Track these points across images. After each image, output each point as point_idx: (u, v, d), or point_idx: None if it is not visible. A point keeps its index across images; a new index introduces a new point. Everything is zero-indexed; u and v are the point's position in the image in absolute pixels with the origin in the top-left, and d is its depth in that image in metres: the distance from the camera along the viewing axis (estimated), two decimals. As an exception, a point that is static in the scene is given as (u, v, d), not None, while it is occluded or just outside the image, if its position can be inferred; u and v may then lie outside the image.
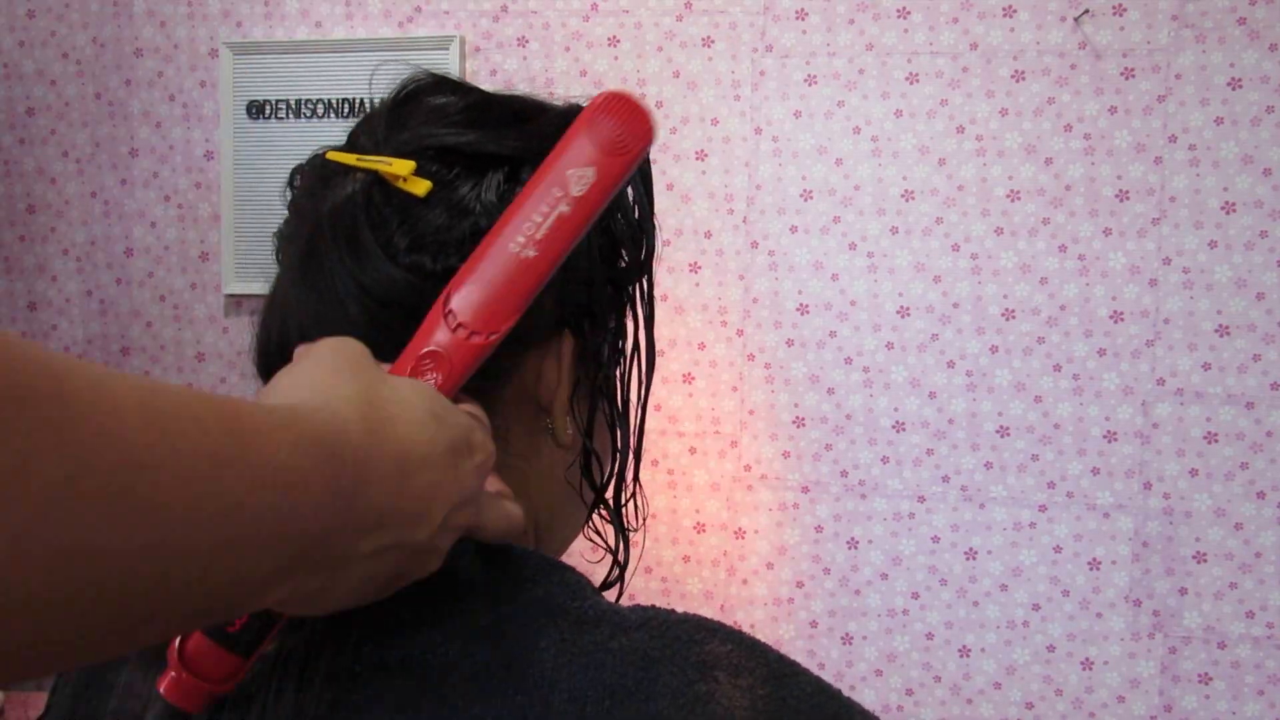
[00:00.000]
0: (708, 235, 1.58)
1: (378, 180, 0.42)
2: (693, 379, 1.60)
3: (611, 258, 0.47)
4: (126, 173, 1.80)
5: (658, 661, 0.37)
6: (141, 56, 1.79)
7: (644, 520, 0.54)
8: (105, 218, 1.82)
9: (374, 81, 0.48)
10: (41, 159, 1.83)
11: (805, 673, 0.40)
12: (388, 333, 0.41)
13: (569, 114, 0.46)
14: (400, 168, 0.41)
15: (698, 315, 1.59)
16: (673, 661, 0.37)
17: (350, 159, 0.42)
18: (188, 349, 1.80)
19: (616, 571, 0.50)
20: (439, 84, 0.46)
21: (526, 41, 1.63)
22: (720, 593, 1.60)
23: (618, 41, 1.60)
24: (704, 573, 1.60)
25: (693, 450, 1.60)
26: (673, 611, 0.41)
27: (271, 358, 0.43)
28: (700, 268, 1.58)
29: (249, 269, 1.73)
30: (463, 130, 0.43)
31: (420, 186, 0.41)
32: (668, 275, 1.59)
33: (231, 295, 1.76)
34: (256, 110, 1.71)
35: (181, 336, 1.80)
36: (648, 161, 0.48)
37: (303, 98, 1.69)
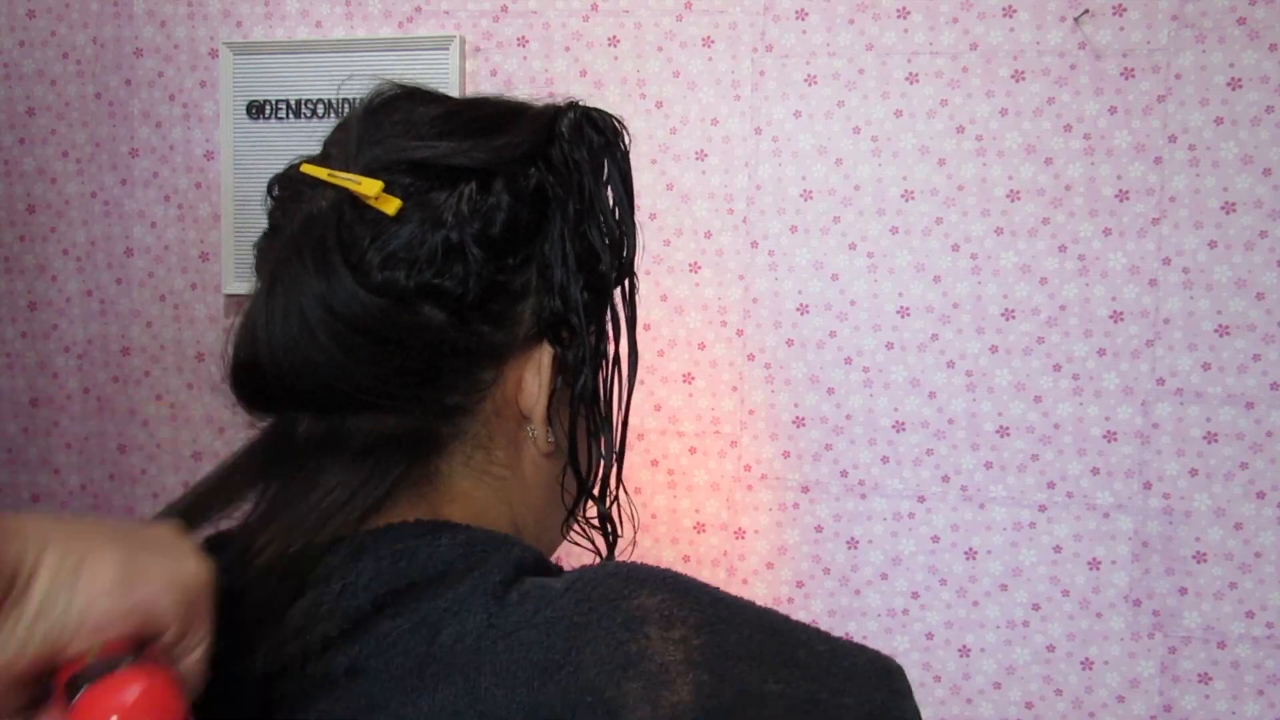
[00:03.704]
0: (708, 235, 1.58)
1: (349, 197, 0.41)
2: (693, 379, 1.60)
3: (590, 264, 0.45)
4: (126, 173, 1.80)
5: (584, 627, 0.36)
6: (141, 56, 1.79)
7: (636, 526, 0.54)
8: (105, 218, 1.82)
9: (367, 84, 0.48)
10: (41, 159, 1.83)
11: (743, 611, 0.38)
12: (357, 358, 0.40)
13: (540, 117, 0.45)
14: (369, 187, 0.40)
15: (698, 315, 1.59)
16: (600, 625, 0.36)
17: (322, 174, 0.41)
18: (188, 349, 1.80)
19: None
20: (409, 95, 0.46)
21: (526, 41, 1.63)
22: (720, 593, 1.60)
23: (618, 41, 1.60)
24: (704, 573, 1.60)
25: (693, 450, 1.60)
26: (603, 564, 0.39)
27: (242, 380, 0.43)
28: (700, 268, 1.58)
29: (249, 269, 1.73)
30: (433, 143, 0.42)
31: (390, 205, 0.41)
32: (668, 275, 1.59)
33: (231, 295, 1.76)
34: (256, 110, 1.71)
35: (181, 336, 1.80)
36: (626, 162, 0.47)
37: (303, 98, 1.69)
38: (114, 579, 0.30)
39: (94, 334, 1.84)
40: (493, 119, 0.45)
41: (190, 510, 0.42)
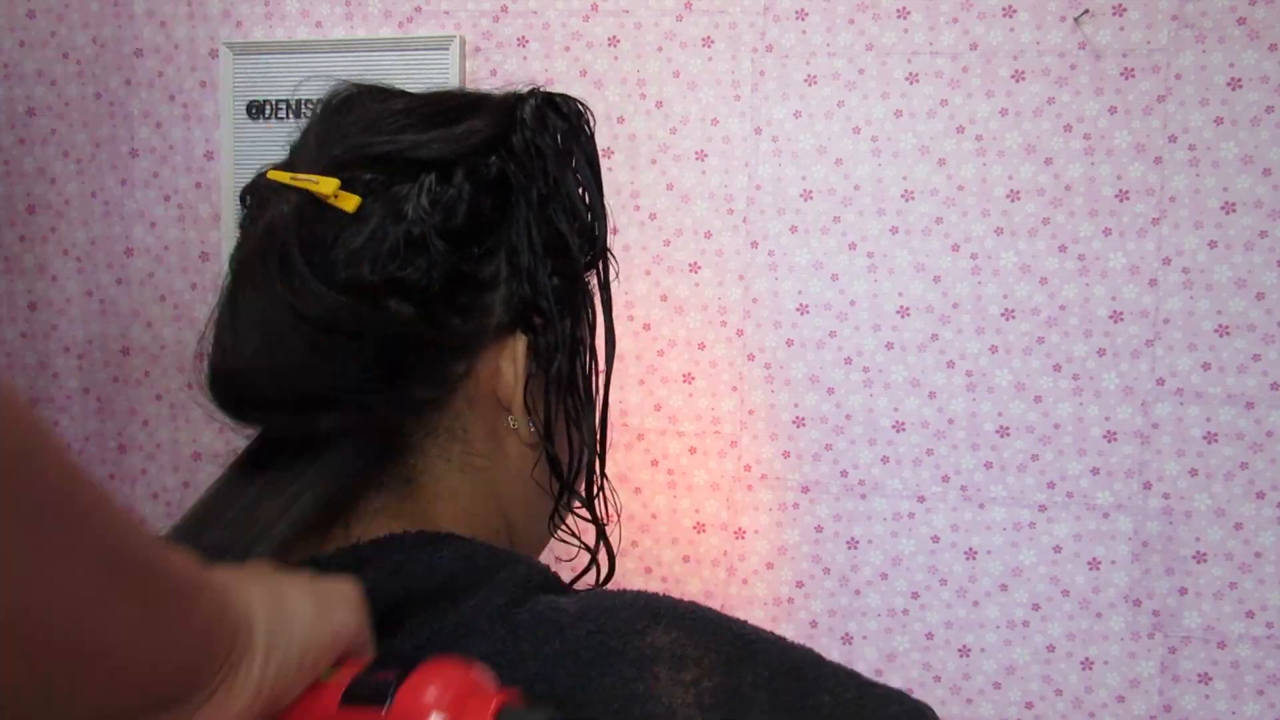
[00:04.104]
0: (708, 235, 1.58)
1: (310, 199, 0.41)
2: (693, 379, 1.59)
3: (558, 249, 0.45)
4: (126, 173, 1.80)
5: (593, 662, 0.35)
6: (141, 56, 1.79)
7: (618, 513, 0.53)
8: (105, 218, 1.82)
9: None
10: (41, 159, 1.83)
11: (766, 651, 0.37)
12: (325, 358, 0.40)
13: (502, 105, 0.45)
14: (326, 186, 0.40)
15: (698, 315, 1.59)
16: (609, 660, 0.35)
17: (285, 177, 0.41)
18: (188, 349, 1.80)
19: (606, 569, 0.49)
20: (367, 92, 0.45)
21: (526, 41, 1.63)
22: (720, 593, 1.60)
23: (618, 41, 1.60)
24: (704, 573, 1.60)
25: (693, 450, 1.60)
26: (619, 594, 0.39)
27: (216, 390, 0.42)
28: (700, 268, 1.58)
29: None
30: (392, 137, 0.42)
31: (349, 202, 0.40)
32: (667, 275, 1.59)
33: (231, 295, 1.76)
34: (256, 110, 1.71)
35: (181, 336, 1.80)
36: (592, 145, 0.47)
37: (302, 98, 1.69)
38: (314, 612, 0.32)
39: (94, 334, 1.84)
40: (454, 109, 0.44)
41: (190, 529, 0.41)
